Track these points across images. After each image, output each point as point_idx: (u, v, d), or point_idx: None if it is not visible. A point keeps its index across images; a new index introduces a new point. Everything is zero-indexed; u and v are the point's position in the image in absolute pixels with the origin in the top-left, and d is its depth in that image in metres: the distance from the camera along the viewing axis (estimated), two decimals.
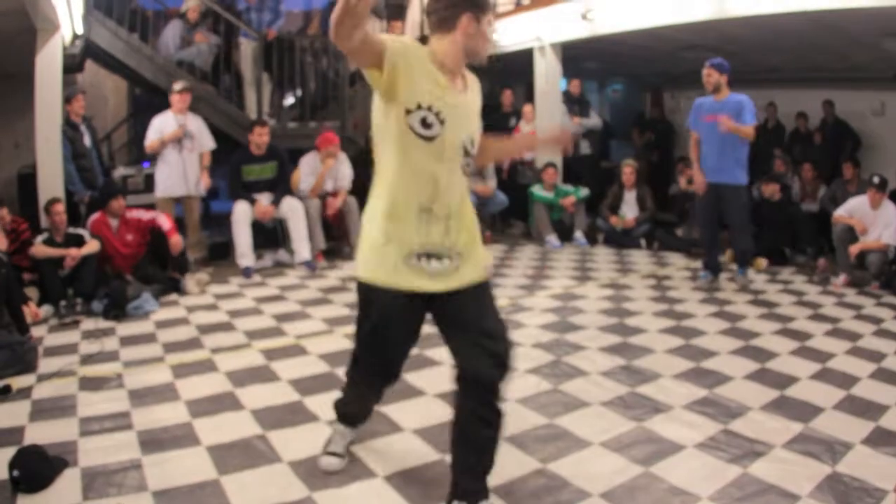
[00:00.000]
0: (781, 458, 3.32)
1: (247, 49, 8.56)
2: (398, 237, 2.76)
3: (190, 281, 6.51)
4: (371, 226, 2.83)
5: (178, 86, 7.35)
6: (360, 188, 8.26)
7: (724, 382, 4.30)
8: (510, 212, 9.99)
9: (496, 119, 10.30)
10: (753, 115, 6.43)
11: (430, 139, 2.69)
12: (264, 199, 7.50)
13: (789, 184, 8.83)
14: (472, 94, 3.01)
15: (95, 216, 6.49)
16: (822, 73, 10.14)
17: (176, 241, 6.60)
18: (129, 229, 6.54)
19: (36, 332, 5.29)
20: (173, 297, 6.41)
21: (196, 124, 7.50)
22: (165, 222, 6.64)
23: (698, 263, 7.85)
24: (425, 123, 2.68)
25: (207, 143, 7.60)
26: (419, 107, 2.66)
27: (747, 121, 6.36)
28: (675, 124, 12.90)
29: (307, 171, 7.93)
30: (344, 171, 8.16)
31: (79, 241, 6.15)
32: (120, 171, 8.30)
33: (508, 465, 3.26)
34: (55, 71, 6.68)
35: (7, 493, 2.98)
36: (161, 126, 7.29)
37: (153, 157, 7.53)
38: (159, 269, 6.58)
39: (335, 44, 2.42)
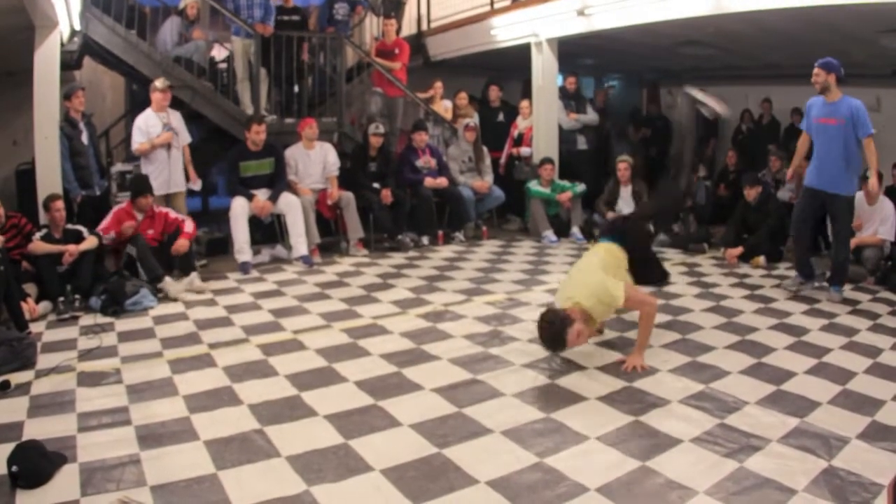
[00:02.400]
0: (778, 453, 3.33)
1: (237, 46, 8.54)
2: None
3: (174, 286, 6.32)
4: None
5: (160, 83, 7.28)
6: (356, 183, 8.31)
7: (720, 377, 4.32)
8: (507, 207, 10.03)
9: (484, 114, 10.34)
10: (869, 125, 5.96)
11: None
12: (262, 194, 7.51)
13: (767, 181, 8.80)
14: None
15: (122, 205, 6.52)
16: None
17: (182, 243, 6.57)
18: (152, 223, 6.58)
19: (34, 328, 5.30)
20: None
21: (177, 119, 7.46)
22: (190, 226, 6.72)
23: (695, 258, 7.90)
24: None
25: (186, 137, 7.58)
26: None
27: (862, 133, 5.93)
28: (673, 120, 12.91)
29: (291, 162, 8.04)
30: (331, 158, 8.24)
31: (77, 238, 6.16)
32: (118, 168, 8.28)
33: (505, 458, 3.28)
34: (53, 68, 6.66)
35: (6, 489, 2.98)
36: (146, 126, 7.21)
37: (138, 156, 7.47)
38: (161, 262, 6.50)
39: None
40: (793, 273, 6.83)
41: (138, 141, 7.21)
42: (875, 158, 6.06)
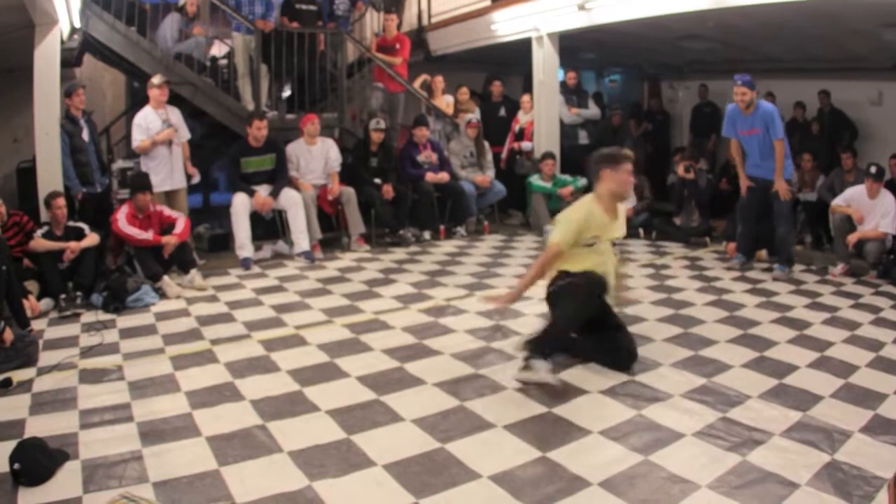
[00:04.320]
0: (780, 447, 3.33)
1: (238, 42, 8.52)
2: None
3: (172, 287, 6.29)
4: None
5: (156, 79, 7.23)
6: (357, 178, 8.30)
7: (722, 371, 4.31)
8: (508, 202, 10.00)
9: (486, 109, 10.33)
10: (780, 128, 6.56)
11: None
12: (263, 190, 7.51)
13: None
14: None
15: (126, 211, 6.44)
16: (820, 64, 10.13)
17: (168, 245, 6.42)
18: (150, 223, 6.51)
19: (36, 325, 5.30)
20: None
21: (175, 116, 7.42)
22: (181, 225, 6.59)
23: (697, 252, 7.91)
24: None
25: (185, 133, 7.53)
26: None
27: (773, 136, 6.53)
28: (674, 115, 12.89)
29: (293, 158, 8.04)
30: (333, 154, 8.22)
31: (78, 235, 6.15)
32: (118, 164, 8.27)
33: (508, 453, 3.28)
34: (53, 65, 6.65)
35: (8, 486, 2.98)
36: (146, 123, 7.15)
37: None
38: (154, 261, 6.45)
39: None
40: (798, 267, 6.98)
41: (139, 138, 7.13)
42: (781, 162, 6.60)
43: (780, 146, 6.58)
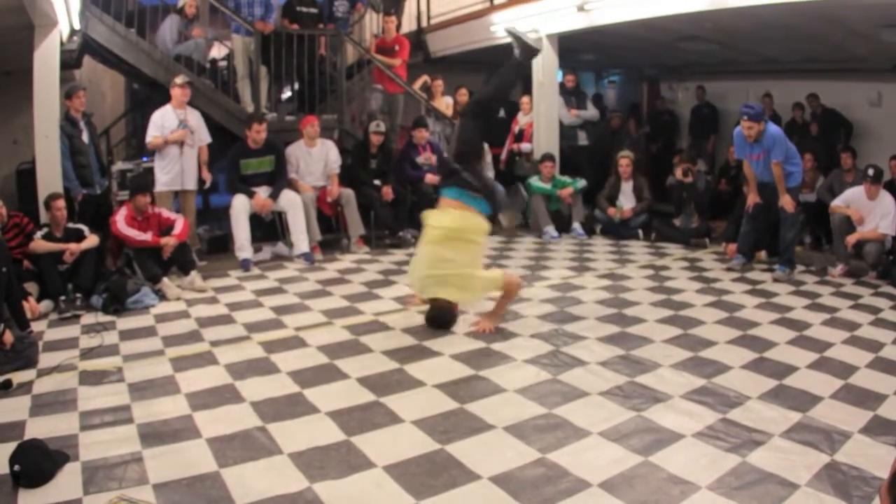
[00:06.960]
0: (780, 447, 3.33)
1: (238, 43, 8.53)
2: None
3: (171, 288, 6.30)
4: None
5: (179, 79, 7.32)
6: (356, 180, 8.30)
7: (722, 372, 4.32)
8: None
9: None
10: (782, 151, 6.66)
11: None
12: (262, 192, 7.51)
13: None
14: None
15: (125, 213, 6.45)
16: (819, 64, 10.14)
17: (167, 246, 6.42)
18: (150, 225, 6.50)
19: (36, 327, 5.28)
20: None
21: (195, 118, 7.48)
22: (179, 226, 6.59)
23: (696, 253, 7.91)
24: None
25: (205, 137, 7.59)
26: None
27: (772, 157, 6.67)
28: (680, 115, 12.87)
29: (293, 160, 8.04)
30: (332, 156, 8.22)
31: (78, 236, 6.15)
32: (119, 166, 8.28)
33: (507, 454, 3.28)
34: (53, 67, 6.66)
35: (8, 488, 2.98)
36: (161, 121, 7.24)
37: (152, 152, 7.49)
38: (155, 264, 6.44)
39: None
40: (797, 268, 7.02)
41: (152, 134, 7.24)
42: (782, 181, 6.74)
43: (779, 168, 6.67)
